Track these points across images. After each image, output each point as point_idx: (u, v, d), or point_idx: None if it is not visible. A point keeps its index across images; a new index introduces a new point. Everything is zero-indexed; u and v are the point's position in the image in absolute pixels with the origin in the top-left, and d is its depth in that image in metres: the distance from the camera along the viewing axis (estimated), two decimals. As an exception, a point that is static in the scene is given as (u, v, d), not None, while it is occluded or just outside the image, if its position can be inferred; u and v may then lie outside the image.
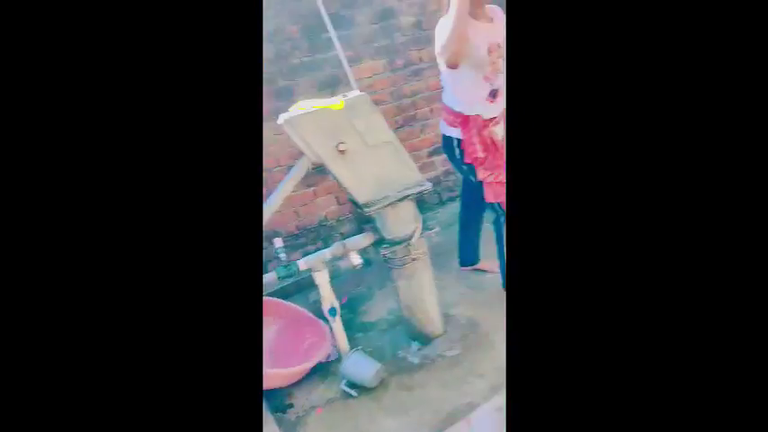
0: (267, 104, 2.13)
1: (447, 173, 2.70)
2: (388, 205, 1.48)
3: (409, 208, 1.52)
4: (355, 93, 1.44)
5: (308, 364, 1.61)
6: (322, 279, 1.55)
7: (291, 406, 1.58)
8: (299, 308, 1.87)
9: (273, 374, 1.55)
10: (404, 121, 2.49)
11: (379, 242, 1.58)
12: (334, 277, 2.32)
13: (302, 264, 1.52)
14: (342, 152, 1.39)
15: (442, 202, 2.74)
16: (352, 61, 2.28)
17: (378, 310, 2.03)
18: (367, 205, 1.47)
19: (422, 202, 2.67)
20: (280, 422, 1.51)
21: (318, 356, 1.66)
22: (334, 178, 1.46)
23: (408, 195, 1.49)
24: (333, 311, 1.58)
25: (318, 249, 1.57)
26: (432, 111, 2.54)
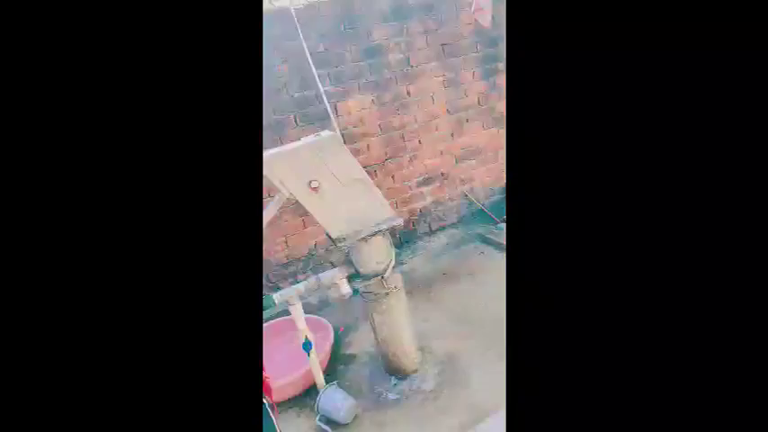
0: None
1: (436, 203, 2.73)
2: (361, 240, 1.51)
3: (382, 243, 1.55)
4: (327, 133, 1.49)
5: (317, 358, 1.63)
6: (296, 312, 1.57)
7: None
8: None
9: (288, 384, 1.62)
10: (393, 152, 2.54)
11: (354, 276, 1.60)
12: (324, 306, 2.36)
13: (277, 297, 1.54)
14: (314, 189, 1.44)
15: (431, 232, 2.75)
16: (341, 96, 2.36)
17: (361, 341, 2.04)
18: (339, 240, 1.50)
19: (412, 233, 2.69)
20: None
21: (325, 350, 1.78)
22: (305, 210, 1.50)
23: (380, 230, 1.52)
24: (307, 345, 1.59)
25: (308, 278, 1.60)
26: (420, 143, 2.59)
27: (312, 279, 1.58)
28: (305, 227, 2.41)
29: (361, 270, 1.58)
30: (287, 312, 2.11)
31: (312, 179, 1.42)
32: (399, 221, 1.55)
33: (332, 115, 1.66)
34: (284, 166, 1.41)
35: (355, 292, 2.53)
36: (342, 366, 1.90)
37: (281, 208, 1.54)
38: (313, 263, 2.45)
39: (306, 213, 2.39)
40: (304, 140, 1.47)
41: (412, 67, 2.48)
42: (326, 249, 2.48)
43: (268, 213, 1.49)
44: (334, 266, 1.73)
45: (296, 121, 2.28)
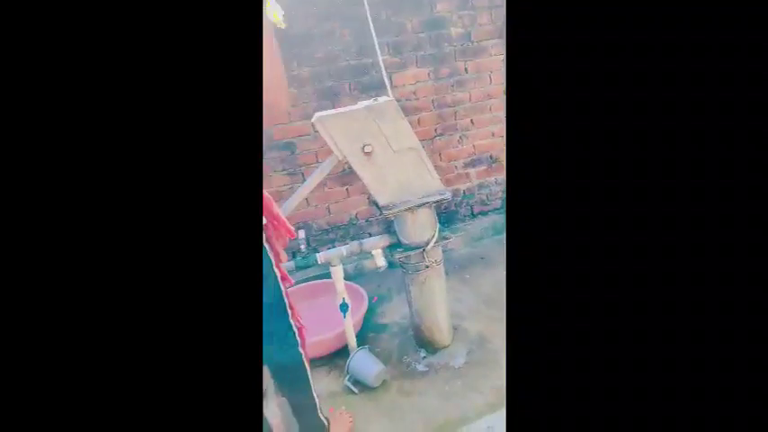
0: (313, 102, 2.23)
1: (481, 186, 2.67)
2: (407, 210, 1.51)
3: (427, 215, 1.54)
4: (385, 98, 1.48)
5: (351, 321, 1.67)
6: (337, 274, 1.60)
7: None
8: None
9: (317, 342, 1.66)
10: (443, 129, 2.50)
11: (395, 246, 1.60)
12: (358, 276, 2.40)
13: (320, 257, 1.58)
14: (367, 154, 1.44)
15: (473, 215, 2.71)
16: (397, 67, 2.33)
17: (393, 313, 2.06)
18: (387, 207, 1.50)
19: (453, 213, 2.66)
20: (282, 406, 1.58)
21: (359, 314, 1.83)
22: (358, 176, 1.51)
23: (427, 202, 1.50)
24: (344, 307, 1.63)
25: (350, 243, 1.63)
26: (472, 122, 2.53)
27: (355, 243, 1.60)
28: (348, 195, 2.43)
29: (403, 240, 1.58)
30: (321, 277, 2.17)
31: (366, 143, 1.42)
32: (447, 195, 1.53)
33: (388, 85, 1.65)
34: (340, 127, 1.41)
35: (391, 265, 2.55)
36: (372, 334, 1.93)
37: (330, 172, 1.55)
38: (353, 232, 2.48)
39: (349, 182, 2.41)
40: (361, 104, 1.46)
41: (473, 42, 2.41)
42: (366, 220, 2.49)
43: (319, 175, 1.51)
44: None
45: (349, 89, 2.28)
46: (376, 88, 2.27)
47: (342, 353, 1.76)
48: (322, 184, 2.31)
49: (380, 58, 1.65)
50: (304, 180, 2.29)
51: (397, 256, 1.59)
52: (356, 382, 1.62)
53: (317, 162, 2.31)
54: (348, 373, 1.63)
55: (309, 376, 1.23)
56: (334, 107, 2.18)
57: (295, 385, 1.23)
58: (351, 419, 1.45)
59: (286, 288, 1.12)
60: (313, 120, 1.43)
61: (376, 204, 1.55)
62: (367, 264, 2.43)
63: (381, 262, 1.63)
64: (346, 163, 1.46)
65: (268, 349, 1.17)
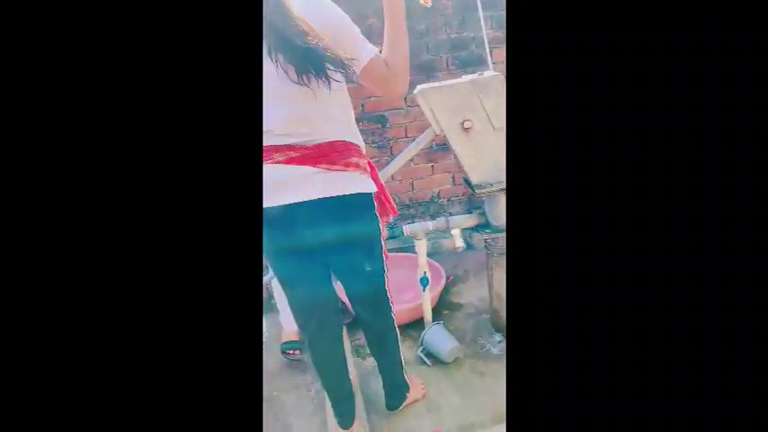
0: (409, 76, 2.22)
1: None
2: (500, 191, 1.47)
3: (522, 198, 1.48)
4: (490, 73, 1.43)
5: (429, 296, 1.72)
6: (421, 248, 1.62)
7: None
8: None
9: (394, 312, 1.75)
10: (540, 111, 2.36)
11: (484, 227, 1.58)
12: (435, 254, 2.40)
13: (407, 229, 1.60)
14: (466, 130, 1.41)
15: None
16: (499, 42, 2.23)
17: (469, 294, 2.05)
18: (479, 186, 1.48)
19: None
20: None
21: (437, 289, 1.88)
22: (454, 154, 1.49)
23: (524, 185, 1.45)
24: (424, 280, 1.65)
25: (437, 218, 1.64)
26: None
27: (442, 219, 1.60)
28: (432, 173, 2.42)
29: (492, 222, 1.55)
30: (399, 250, 2.21)
31: (466, 118, 1.40)
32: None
33: (489, 60, 1.58)
34: (441, 100, 1.40)
35: (468, 246, 2.51)
36: (446, 312, 1.94)
37: (425, 146, 1.55)
38: (433, 209, 2.48)
39: (435, 160, 2.39)
40: (465, 77, 1.43)
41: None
42: (448, 199, 2.47)
43: (415, 148, 1.52)
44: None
45: (446, 64, 2.23)
46: (474, 64, 2.20)
47: (415, 325, 1.79)
48: (408, 160, 2.33)
49: (485, 32, 1.59)
50: (392, 155, 2.32)
51: (484, 237, 1.56)
52: (429, 355, 1.65)
53: (406, 138, 2.32)
54: (422, 345, 1.66)
55: (399, 339, 1.30)
56: (429, 81, 2.15)
57: (386, 347, 1.30)
58: (424, 388, 1.49)
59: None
60: (415, 92, 1.43)
61: (467, 182, 1.53)
62: (445, 243, 2.42)
63: (460, 242, 1.63)
64: (443, 137, 1.45)
65: (364, 310, 1.23)
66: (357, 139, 1.07)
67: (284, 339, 1.78)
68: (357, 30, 0.96)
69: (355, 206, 1.05)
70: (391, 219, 1.21)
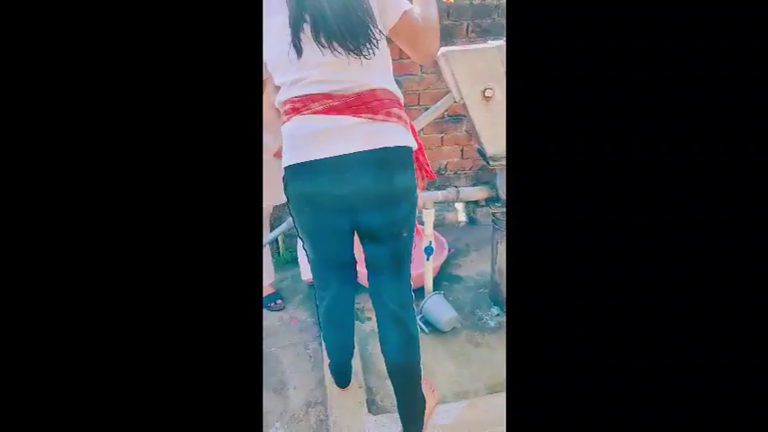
0: (424, 41, 2.15)
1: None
2: (516, 164, 1.44)
3: (536, 173, 1.46)
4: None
5: (431, 266, 1.72)
6: (428, 217, 1.61)
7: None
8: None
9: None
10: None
11: (494, 200, 1.56)
12: (437, 226, 2.40)
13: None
14: (487, 98, 1.37)
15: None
16: (522, 13, 2.15)
17: (469, 268, 2.05)
18: (493, 158, 1.45)
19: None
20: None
21: (439, 260, 1.89)
22: (470, 123, 1.45)
23: (540, 160, 1.43)
24: (429, 250, 1.64)
25: (448, 188, 1.62)
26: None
27: (452, 190, 1.58)
28: (442, 144, 2.38)
29: (503, 196, 1.53)
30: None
31: (488, 86, 1.36)
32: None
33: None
34: (465, 65, 1.35)
35: (471, 221, 2.50)
36: (446, 283, 1.95)
37: (440, 115, 1.51)
38: (439, 181, 2.45)
39: (445, 131, 2.35)
40: (492, 43, 1.38)
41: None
42: (455, 172, 2.45)
43: (432, 114, 1.48)
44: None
45: (466, 31, 2.16)
46: (495, 33, 2.13)
47: (416, 293, 1.80)
48: (419, 129, 2.28)
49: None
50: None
51: (493, 210, 1.55)
52: (427, 323, 1.66)
53: (418, 105, 2.26)
54: (421, 313, 1.68)
55: (417, 325, 1.19)
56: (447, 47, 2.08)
57: (404, 328, 1.12)
58: (434, 389, 1.34)
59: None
60: (438, 54, 1.37)
61: (481, 153, 1.50)
62: (448, 216, 2.41)
63: (462, 217, 1.63)
64: (462, 105, 1.41)
65: (385, 278, 1.09)
66: (396, 89, 0.99)
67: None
68: None
69: (397, 161, 0.96)
70: (425, 184, 1.14)
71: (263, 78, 1.09)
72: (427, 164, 1.10)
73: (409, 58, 1.00)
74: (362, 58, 0.89)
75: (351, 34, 0.86)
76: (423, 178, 1.11)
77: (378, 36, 0.89)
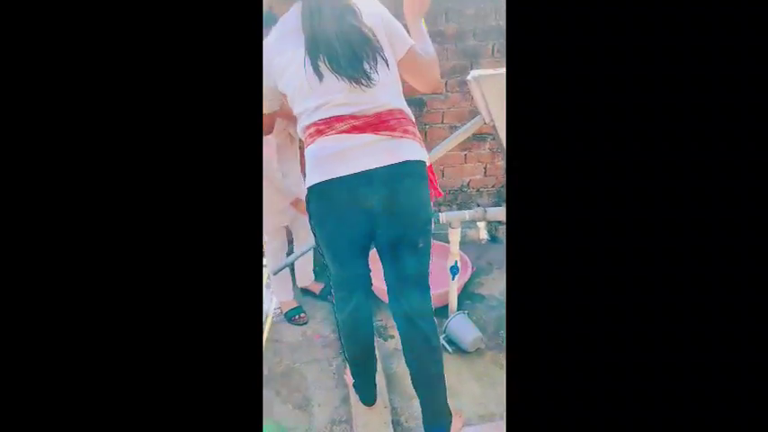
0: (452, 61, 2.18)
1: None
2: (545, 186, 1.44)
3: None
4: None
5: (456, 285, 1.72)
6: (454, 236, 1.61)
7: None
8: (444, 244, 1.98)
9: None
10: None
11: (521, 220, 1.56)
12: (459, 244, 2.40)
13: (443, 217, 1.59)
14: (516, 121, 1.38)
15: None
16: (548, 34, 2.17)
17: (491, 286, 2.04)
18: (523, 180, 1.45)
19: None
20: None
21: (463, 279, 1.88)
22: (499, 143, 1.46)
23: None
24: (455, 269, 1.64)
25: (475, 208, 1.63)
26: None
27: (479, 209, 1.58)
28: (465, 162, 2.40)
29: (530, 216, 1.53)
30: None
31: (519, 109, 1.37)
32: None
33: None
34: (495, 88, 1.37)
35: (492, 239, 2.50)
36: (468, 302, 1.94)
37: (469, 136, 1.53)
38: (461, 198, 2.46)
39: (469, 149, 2.36)
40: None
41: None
42: (477, 190, 2.45)
43: (462, 135, 1.49)
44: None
45: (492, 52, 2.18)
46: (520, 54, 2.15)
47: (439, 312, 1.80)
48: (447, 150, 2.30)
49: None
50: (426, 140, 2.29)
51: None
52: (450, 342, 1.65)
53: (442, 123, 2.28)
54: (445, 332, 1.67)
55: (439, 339, 1.24)
56: (471, 68, 2.11)
57: (426, 340, 1.13)
58: (461, 416, 1.33)
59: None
60: (468, 77, 1.39)
61: (510, 174, 1.51)
62: (470, 233, 2.41)
63: (484, 234, 1.63)
64: (492, 127, 1.42)
65: (404, 293, 1.13)
66: (408, 109, 1.08)
67: (285, 309, 1.86)
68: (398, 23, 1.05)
69: (417, 173, 1.04)
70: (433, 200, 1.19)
71: (274, 111, 1.17)
72: (435, 180, 1.15)
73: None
74: (369, 84, 0.98)
75: (353, 68, 0.96)
76: (431, 196, 1.17)
77: (380, 62, 1.00)
